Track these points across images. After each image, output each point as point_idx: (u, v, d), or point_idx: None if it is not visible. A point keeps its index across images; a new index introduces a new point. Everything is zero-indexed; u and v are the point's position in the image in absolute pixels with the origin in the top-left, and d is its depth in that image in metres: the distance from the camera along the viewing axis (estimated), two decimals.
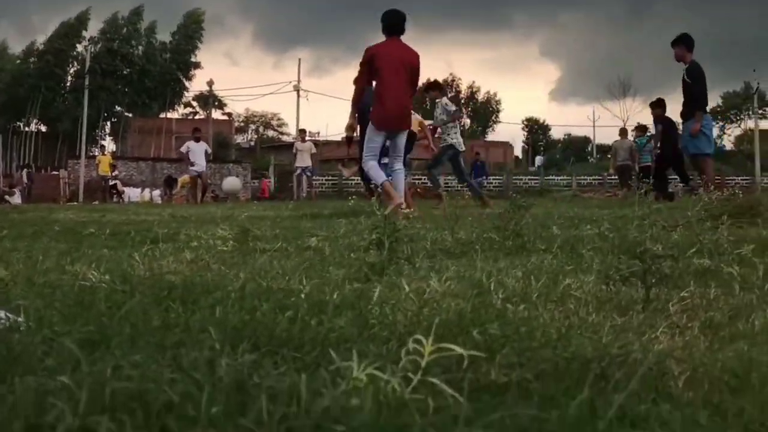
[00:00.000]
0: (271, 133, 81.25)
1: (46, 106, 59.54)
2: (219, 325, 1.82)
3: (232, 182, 33.14)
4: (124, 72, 58.63)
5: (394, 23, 9.47)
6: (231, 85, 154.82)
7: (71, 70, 61.96)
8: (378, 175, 9.54)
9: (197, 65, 61.84)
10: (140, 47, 61.06)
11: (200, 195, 23.17)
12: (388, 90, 9.31)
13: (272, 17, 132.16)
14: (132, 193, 37.54)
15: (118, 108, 60.94)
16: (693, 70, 11.89)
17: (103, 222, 8.50)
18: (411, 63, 9.46)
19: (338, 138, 64.98)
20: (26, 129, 61.53)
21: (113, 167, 34.90)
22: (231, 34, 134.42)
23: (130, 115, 60.87)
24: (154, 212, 11.92)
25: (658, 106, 15.73)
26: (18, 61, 61.55)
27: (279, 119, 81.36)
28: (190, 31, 61.42)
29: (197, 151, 22.68)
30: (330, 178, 45.05)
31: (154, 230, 6.42)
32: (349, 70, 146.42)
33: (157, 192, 40.85)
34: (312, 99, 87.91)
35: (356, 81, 9.53)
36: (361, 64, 9.45)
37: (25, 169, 43.67)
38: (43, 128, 63.26)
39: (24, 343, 1.56)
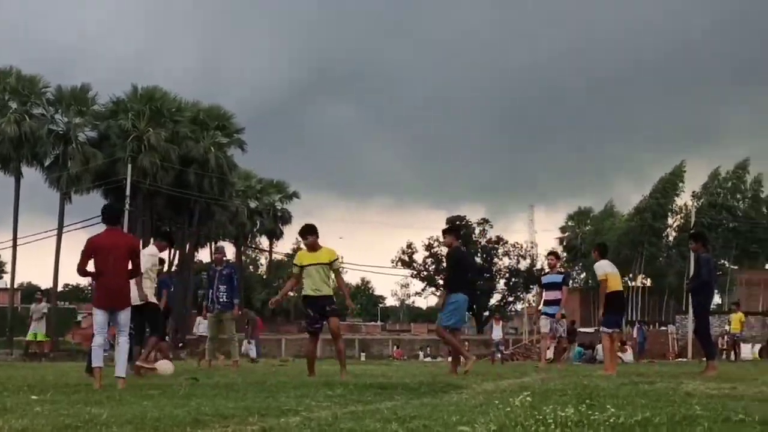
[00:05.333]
0: None
1: (651, 261, 60.86)
2: None
3: None
4: (730, 225, 57.98)
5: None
6: None
7: (673, 224, 63.01)
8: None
9: None
10: (746, 200, 60.21)
11: None
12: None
13: None
14: (743, 350, 36.30)
15: (722, 261, 60.12)
16: (451, 255, 14.21)
17: (738, 396, 8.22)
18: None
19: None
20: (632, 284, 63.35)
21: (743, 325, 34.11)
22: None
23: (736, 267, 59.66)
24: None
25: None
26: (624, 218, 64.26)
27: None
28: None
29: None
30: None
31: None
32: None
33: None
34: None
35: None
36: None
37: (637, 325, 44.53)
38: (648, 282, 64.61)
39: None
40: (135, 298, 12.55)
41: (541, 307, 18.44)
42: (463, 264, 14.53)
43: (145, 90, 56.90)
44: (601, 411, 5.96)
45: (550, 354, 19.79)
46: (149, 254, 13.80)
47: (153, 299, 13.62)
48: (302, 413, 6.39)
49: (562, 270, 19.87)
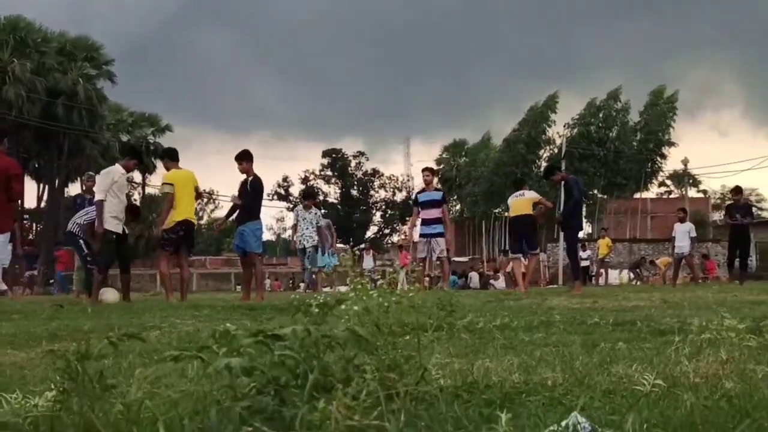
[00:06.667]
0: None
1: None
2: None
3: None
4: (599, 155, 59.39)
5: None
6: (710, 161, 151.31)
7: (544, 155, 64.04)
8: None
9: (671, 143, 60.95)
10: (614, 129, 61.53)
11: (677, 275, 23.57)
12: None
13: None
14: (610, 275, 37.64)
15: (592, 191, 61.78)
16: (256, 183, 13.68)
17: (598, 309, 8.52)
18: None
19: None
20: (506, 214, 64.56)
21: (610, 249, 35.35)
22: (719, 105, 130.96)
23: (605, 196, 61.36)
24: (643, 296, 11.73)
25: None
26: (497, 151, 64.99)
27: (758, 195, 77.62)
28: (662, 109, 60.81)
29: (680, 233, 22.83)
30: None
31: (658, 319, 6.30)
32: None
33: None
34: None
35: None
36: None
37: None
38: None
39: None
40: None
41: (418, 227, 16.82)
42: (262, 191, 14.28)
43: (8, 19, 54.67)
44: (462, 318, 6.08)
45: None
46: (104, 173, 12.73)
47: (110, 226, 12.44)
48: (165, 329, 6.33)
49: (440, 187, 17.84)
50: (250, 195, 13.68)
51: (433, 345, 3.66)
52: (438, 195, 16.62)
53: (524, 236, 16.62)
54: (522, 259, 17.25)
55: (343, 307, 2.04)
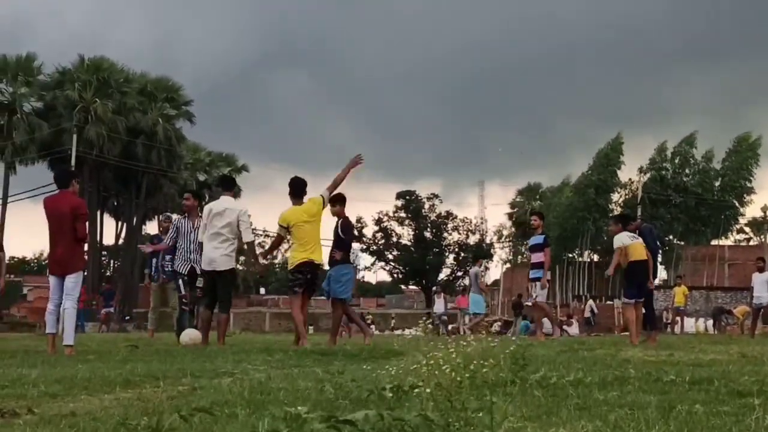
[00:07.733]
0: None
1: (597, 236, 61.21)
2: None
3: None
4: (676, 201, 58.43)
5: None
6: None
7: (619, 200, 63.10)
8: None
9: (751, 190, 59.72)
10: (696, 175, 60.43)
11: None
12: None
13: None
14: (686, 324, 36.84)
15: (668, 237, 60.69)
16: (346, 227, 13.18)
17: (674, 362, 8.33)
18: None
19: None
20: (579, 259, 63.82)
21: (686, 298, 34.46)
22: None
23: (681, 243, 60.27)
24: (720, 349, 11.45)
25: None
26: (571, 194, 64.24)
27: None
28: (743, 157, 59.62)
29: (759, 282, 22.13)
30: None
31: (736, 378, 6.13)
32: None
33: (710, 322, 39.77)
34: None
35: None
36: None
37: (590, 301, 44.67)
38: (596, 258, 65.09)
39: None
40: (222, 264, 12.16)
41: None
42: (352, 234, 13.91)
43: (92, 60, 56.18)
44: (535, 372, 6.00)
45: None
46: (217, 213, 12.35)
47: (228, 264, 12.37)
48: (237, 375, 6.35)
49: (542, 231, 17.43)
50: (342, 239, 13.16)
51: (506, 409, 3.61)
52: (540, 239, 16.85)
53: (642, 283, 15.53)
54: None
55: (416, 391, 2.01)
